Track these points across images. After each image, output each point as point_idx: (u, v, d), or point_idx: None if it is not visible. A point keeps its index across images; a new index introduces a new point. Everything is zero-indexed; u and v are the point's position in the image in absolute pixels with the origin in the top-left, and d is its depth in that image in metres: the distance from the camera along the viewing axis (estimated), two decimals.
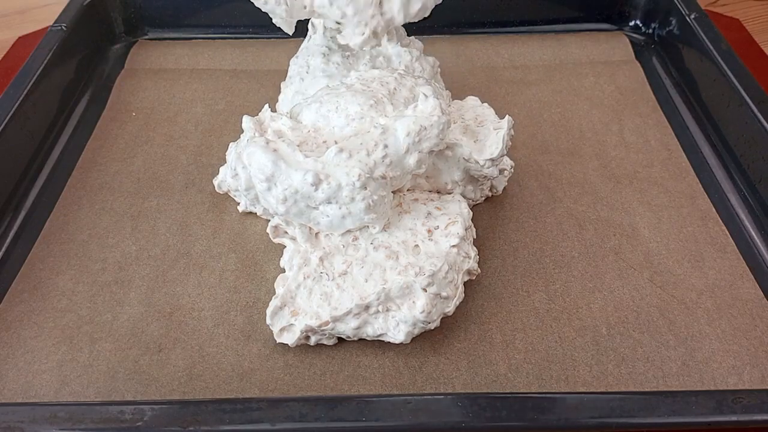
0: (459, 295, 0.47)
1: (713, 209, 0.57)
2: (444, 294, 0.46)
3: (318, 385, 0.45)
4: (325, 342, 0.47)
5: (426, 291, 0.45)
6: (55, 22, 0.70)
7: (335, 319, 0.45)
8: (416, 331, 0.46)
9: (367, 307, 0.45)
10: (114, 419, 0.40)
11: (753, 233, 0.55)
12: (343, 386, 0.45)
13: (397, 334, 0.46)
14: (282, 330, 0.46)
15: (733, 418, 0.39)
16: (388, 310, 0.46)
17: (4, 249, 0.54)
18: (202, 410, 0.40)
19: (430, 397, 0.42)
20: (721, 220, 0.56)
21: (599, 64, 0.74)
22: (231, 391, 0.44)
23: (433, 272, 0.46)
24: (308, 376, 0.46)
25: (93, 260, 0.53)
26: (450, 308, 0.47)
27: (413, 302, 0.45)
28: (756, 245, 0.54)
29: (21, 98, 0.60)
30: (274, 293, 0.49)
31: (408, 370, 0.46)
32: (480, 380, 0.45)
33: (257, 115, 0.52)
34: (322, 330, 0.46)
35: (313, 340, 0.47)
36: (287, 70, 0.67)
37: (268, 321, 0.46)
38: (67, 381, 0.45)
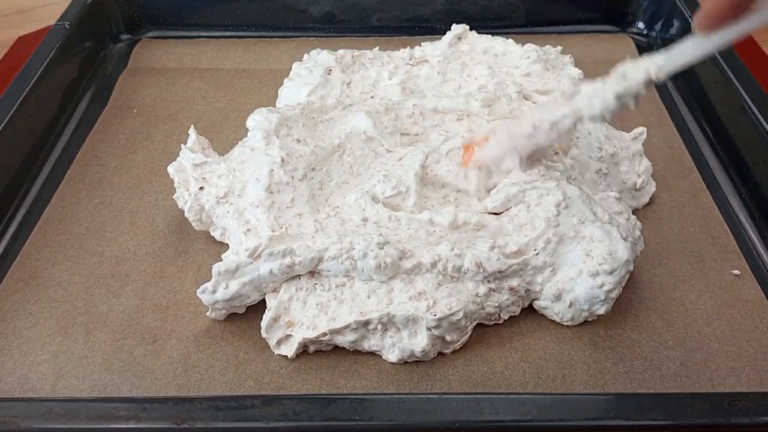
0: (463, 340, 0.46)
1: (715, 207, 0.57)
2: (448, 338, 0.45)
3: (313, 379, 0.45)
4: (323, 349, 0.47)
5: (430, 331, 0.44)
6: (58, 20, 0.70)
7: (333, 332, 0.45)
8: (409, 360, 0.45)
9: (366, 323, 0.45)
10: (109, 416, 0.40)
11: (753, 235, 0.55)
12: (339, 381, 0.45)
13: (390, 355, 0.45)
14: (279, 342, 0.46)
15: (729, 420, 0.39)
16: (386, 330, 0.45)
17: (6, 242, 0.54)
18: (196, 407, 0.40)
19: (423, 396, 0.42)
20: (723, 220, 0.56)
21: (602, 64, 0.73)
22: (226, 382, 0.44)
23: (446, 316, 0.44)
24: (304, 369, 0.45)
25: (90, 253, 0.53)
26: (449, 351, 0.46)
27: (414, 332, 0.45)
28: (756, 247, 0.54)
29: (24, 95, 0.61)
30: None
31: (404, 365, 0.46)
32: (476, 378, 0.45)
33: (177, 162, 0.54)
34: (320, 340, 0.45)
35: (311, 350, 0.46)
36: (289, 70, 0.67)
37: (263, 334, 0.46)
38: (63, 374, 0.45)
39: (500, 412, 0.40)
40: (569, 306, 0.47)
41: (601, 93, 0.44)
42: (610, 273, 0.46)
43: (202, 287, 0.46)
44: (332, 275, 0.47)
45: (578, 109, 0.45)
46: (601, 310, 0.47)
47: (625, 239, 0.47)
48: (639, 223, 0.50)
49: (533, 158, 0.50)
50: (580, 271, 0.46)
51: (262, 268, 0.46)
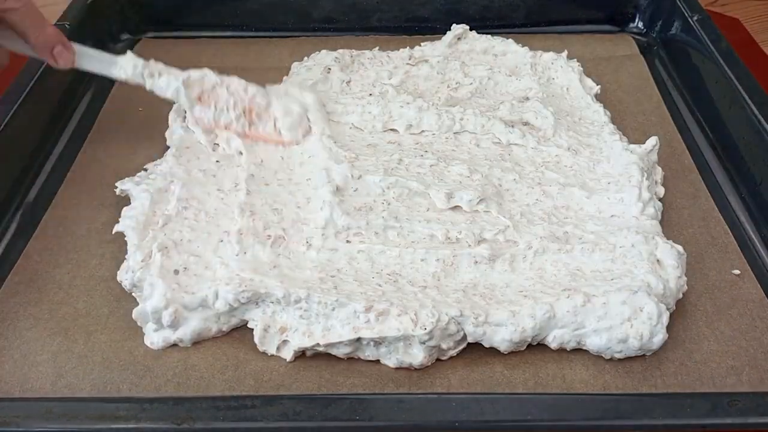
0: (461, 347, 0.46)
1: (715, 207, 0.57)
2: (444, 346, 0.45)
3: (313, 377, 0.45)
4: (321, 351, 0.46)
5: (424, 344, 0.44)
6: (58, 20, 0.70)
7: (328, 345, 0.45)
8: (408, 367, 0.45)
9: (359, 339, 0.44)
10: (109, 416, 0.40)
11: (753, 235, 0.55)
12: (339, 379, 0.45)
13: (389, 361, 0.45)
14: (278, 349, 0.46)
15: (728, 420, 0.39)
16: (379, 345, 0.45)
17: (5, 243, 0.54)
18: (196, 407, 0.40)
19: (423, 396, 0.42)
20: (723, 220, 0.56)
21: (602, 63, 0.74)
22: (225, 381, 0.44)
23: (434, 325, 0.43)
24: (303, 368, 0.45)
25: (91, 255, 0.53)
26: (446, 357, 0.46)
27: (410, 345, 0.44)
28: (756, 247, 0.54)
29: (23, 96, 0.60)
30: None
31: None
32: (476, 377, 0.45)
33: None
34: (315, 349, 0.45)
35: (309, 353, 0.46)
36: (289, 69, 0.67)
37: (260, 348, 0.46)
38: (63, 373, 0.45)
39: (500, 412, 0.40)
40: (560, 344, 0.46)
41: None
42: (637, 348, 0.44)
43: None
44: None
45: None
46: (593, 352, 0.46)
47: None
48: (685, 285, 0.48)
49: None
50: (609, 327, 0.44)
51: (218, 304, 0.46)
